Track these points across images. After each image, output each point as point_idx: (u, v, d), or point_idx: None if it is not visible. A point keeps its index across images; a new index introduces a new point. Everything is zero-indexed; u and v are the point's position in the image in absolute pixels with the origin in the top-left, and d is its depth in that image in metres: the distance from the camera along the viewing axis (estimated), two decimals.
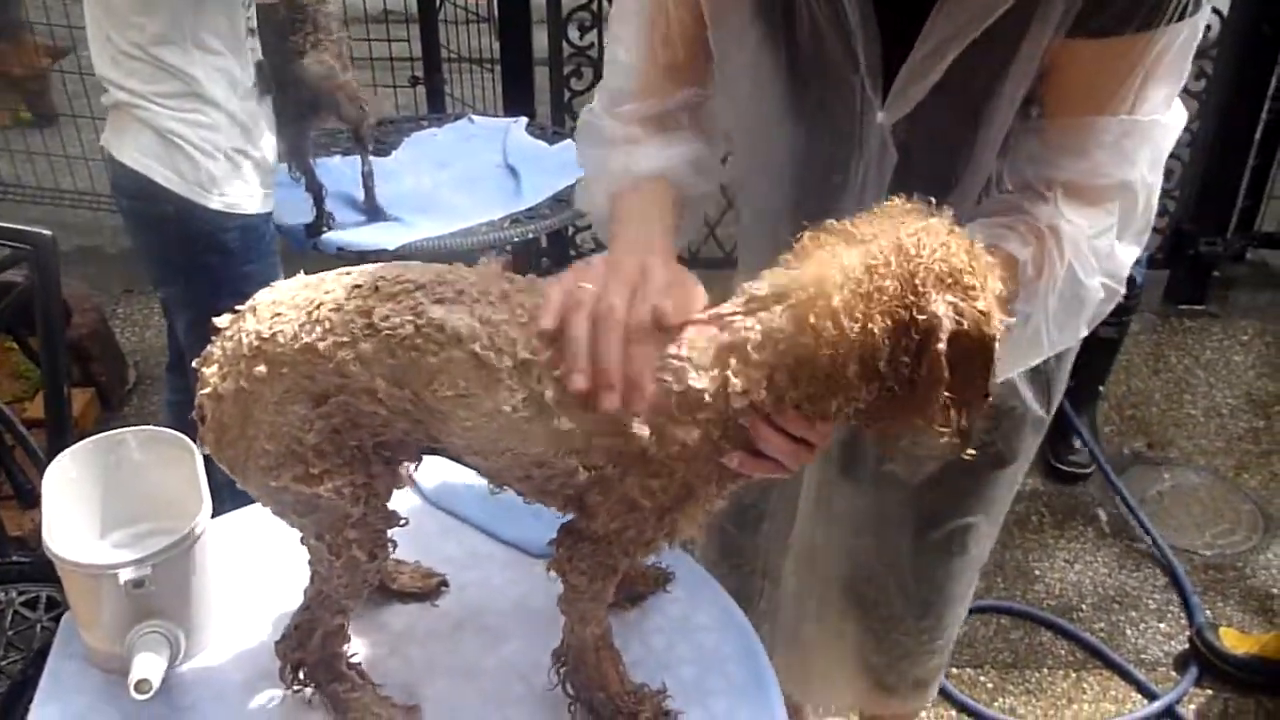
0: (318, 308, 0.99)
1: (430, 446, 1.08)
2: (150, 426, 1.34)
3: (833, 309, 0.89)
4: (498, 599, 1.33)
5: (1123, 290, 1.17)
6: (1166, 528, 2.82)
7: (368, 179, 2.42)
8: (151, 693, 1.11)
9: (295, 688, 1.16)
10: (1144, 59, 1.04)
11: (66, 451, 1.29)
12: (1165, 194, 3.57)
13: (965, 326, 0.88)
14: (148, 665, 1.12)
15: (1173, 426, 3.20)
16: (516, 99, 3.35)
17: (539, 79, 3.43)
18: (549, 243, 3.47)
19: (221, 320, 1.05)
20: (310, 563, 1.12)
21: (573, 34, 3.36)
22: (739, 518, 1.63)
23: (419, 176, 2.62)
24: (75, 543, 1.24)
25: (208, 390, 1.02)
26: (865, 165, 1.19)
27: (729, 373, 0.95)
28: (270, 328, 0.99)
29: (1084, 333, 1.21)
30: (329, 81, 2.23)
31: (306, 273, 1.07)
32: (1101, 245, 1.12)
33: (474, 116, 3.04)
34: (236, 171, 2.00)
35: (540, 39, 3.42)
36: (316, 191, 2.35)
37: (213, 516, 1.24)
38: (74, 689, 1.22)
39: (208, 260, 2.02)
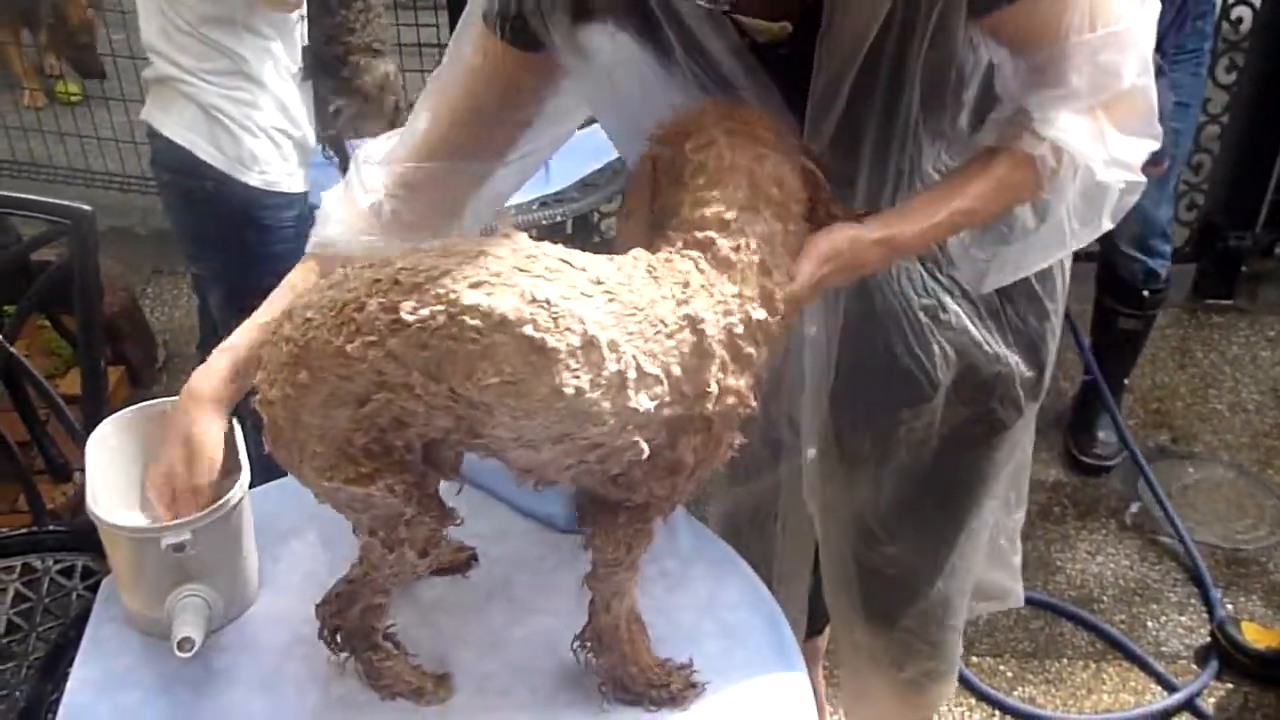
0: (344, 308, 0.96)
1: (472, 446, 1.06)
2: None
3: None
4: (526, 573, 1.35)
5: (1142, 179, 1.19)
6: (1190, 521, 2.82)
7: None
8: (193, 651, 1.13)
9: (331, 650, 1.19)
10: None
11: (108, 420, 1.32)
12: (1194, 187, 3.59)
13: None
14: (190, 625, 1.14)
15: (1198, 421, 3.20)
16: None
17: None
18: (574, 227, 3.49)
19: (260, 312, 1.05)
20: (361, 547, 1.12)
21: None
22: (751, 516, 1.63)
23: None
24: (116, 509, 1.27)
25: (259, 397, 1.03)
26: None
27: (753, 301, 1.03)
28: (304, 334, 0.98)
29: (1107, 226, 1.23)
30: (384, 91, 2.28)
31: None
32: (1104, 146, 1.14)
33: None
34: (277, 150, 2.03)
35: None
36: (345, 171, 2.37)
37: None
38: (114, 651, 1.25)
39: (244, 236, 2.06)
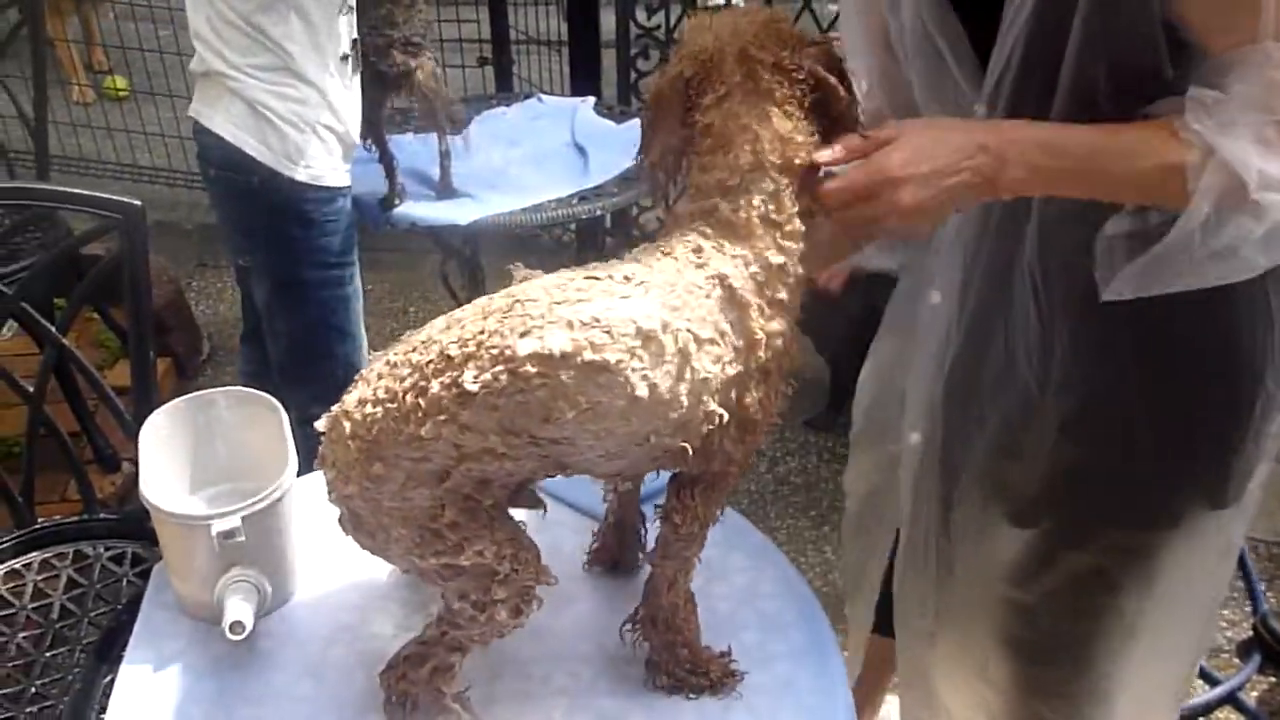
0: (405, 396, 0.98)
1: (557, 474, 1.09)
2: (239, 387, 1.40)
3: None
4: (566, 563, 1.36)
5: None
6: None
7: (444, 159, 2.46)
8: (244, 634, 1.16)
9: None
10: None
11: (161, 410, 1.35)
12: None
13: (823, 63, 1.13)
14: (240, 609, 1.17)
15: None
16: (583, 80, 3.39)
17: (605, 60, 3.46)
18: (613, 222, 3.51)
19: (320, 423, 1.05)
20: (445, 610, 1.10)
21: (640, 16, 3.39)
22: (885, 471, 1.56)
23: (489, 154, 2.67)
24: (168, 496, 1.30)
25: (334, 494, 1.05)
26: None
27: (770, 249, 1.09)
28: (370, 428, 0.99)
29: (1255, 271, 1.09)
30: (425, 86, 2.31)
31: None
32: (1262, 161, 1.01)
33: (542, 96, 3.08)
34: (322, 145, 2.06)
35: (608, 20, 3.45)
36: (389, 165, 2.41)
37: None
38: (166, 635, 1.28)
39: (289, 230, 2.09)
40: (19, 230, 2.58)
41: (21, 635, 1.71)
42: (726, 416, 1.05)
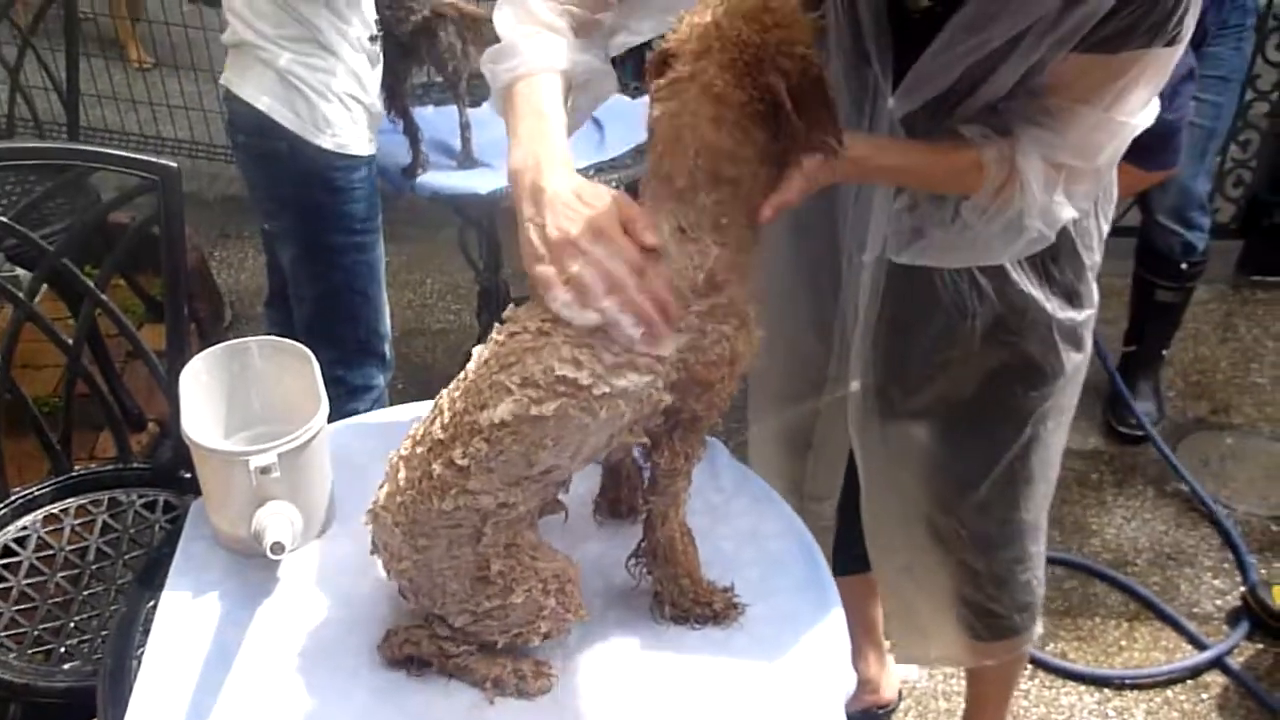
0: (421, 482, 1.13)
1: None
2: (272, 337, 1.47)
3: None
4: (578, 503, 1.43)
5: (1052, 237, 1.37)
6: (1228, 490, 2.87)
7: (465, 130, 2.53)
8: (284, 554, 1.25)
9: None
10: (1130, 71, 1.19)
11: (199, 356, 1.43)
12: (1241, 163, 3.60)
13: (794, 80, 1.07)
14: (280, 532, 1.26)
15: (1237, 394, 3.23)
16: None
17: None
18: (629, 191, 3.57)
19: (364, 520, 1.20)
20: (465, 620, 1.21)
21: None
22: (789, 440, 1.77)
23: None
24: (207, 437, 1.38)
25: (391, 572, 1.20)
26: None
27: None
28: (407, 514, 1.14)
29: (1005, 259, 1.43)
30: (447, 59, 2.38)
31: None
32: (1052, 203, 1.29)
33: None
34: (349, 115, 2.14)
35: None
36: (413, 135, 2.48)
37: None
38: (203, 566, 1.36)
39: (316, 196, 2.17)
40: (50, 196, 2.66)
41: (61, 575, 1.80)
42: (670, 400, 1.14)
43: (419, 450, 1.15)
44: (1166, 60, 1.20)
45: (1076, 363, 1.57)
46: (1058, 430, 1.65)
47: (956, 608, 1.77)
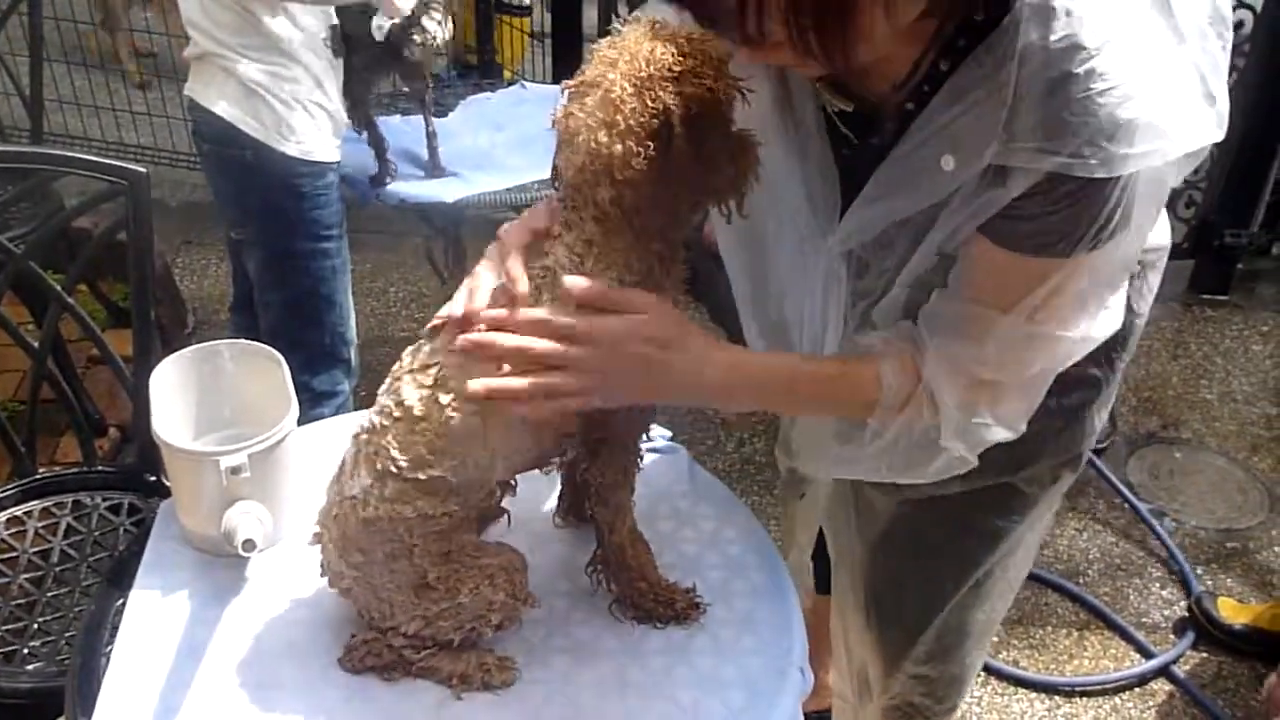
0: (344, 504, 1.19)
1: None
2: (242, 340, 1.49)
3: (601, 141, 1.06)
4: (545, 505, 1.46)
5: (975, 462, 1.19)
6: (1176, 503, 2.94)
7: (432, 139, 2.56)
8: (255, 551, 1.27)
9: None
10: (1051, 278, 1.04)
11: (168, 358, 1.45)
12: (1192, 184, 3.69)
13: (693, 108, 1.05)
14: (251, 530, 1.27)
15: (1187, 409, 3.31)
16: (565, 70, 3.48)
17: (586, 51, 3.56)
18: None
19: (309, 542, 1.26)
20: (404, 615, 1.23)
21: (622, 10, 3.50)
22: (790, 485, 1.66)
23: (476, 136, 2.77)
24: (177, 438, 1.39)
25: (338, 590, 1.25)
26: (823, 275, 1.25)
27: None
28: (338, 529, 1.21)
29: (928, 479, 1.23)
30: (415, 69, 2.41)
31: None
32: (970, 424, 1.14)
33: (525, 83, 3.18)
34: (312, 121, 2.15)
35: (590, 14, 3.55)
36: (379, 145, 2.50)
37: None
38: (173, 565, 1.38)
39: (282, 203, 2.18)
40: (14, 201, 2.65)
41: (24, 577, 1.80)
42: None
43: (338, 484, 1.21)
44: (1105, 263, 1.05)
45: (1064, 483, 1.42)
46: (1032, 539, 1.49)
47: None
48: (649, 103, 1.05)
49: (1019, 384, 1.13)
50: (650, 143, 1.05)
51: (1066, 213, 1.00)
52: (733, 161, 1.11)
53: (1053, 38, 0.94)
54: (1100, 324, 1.11)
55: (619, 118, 1.06)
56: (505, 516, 1.33)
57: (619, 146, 1.05)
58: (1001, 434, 1.16)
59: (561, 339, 1.08)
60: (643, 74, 1.05)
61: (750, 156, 1.13)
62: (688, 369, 1.11)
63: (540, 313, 1.10)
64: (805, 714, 1.30)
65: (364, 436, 1.19)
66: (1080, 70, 0.94)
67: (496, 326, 1.11)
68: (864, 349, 1.19)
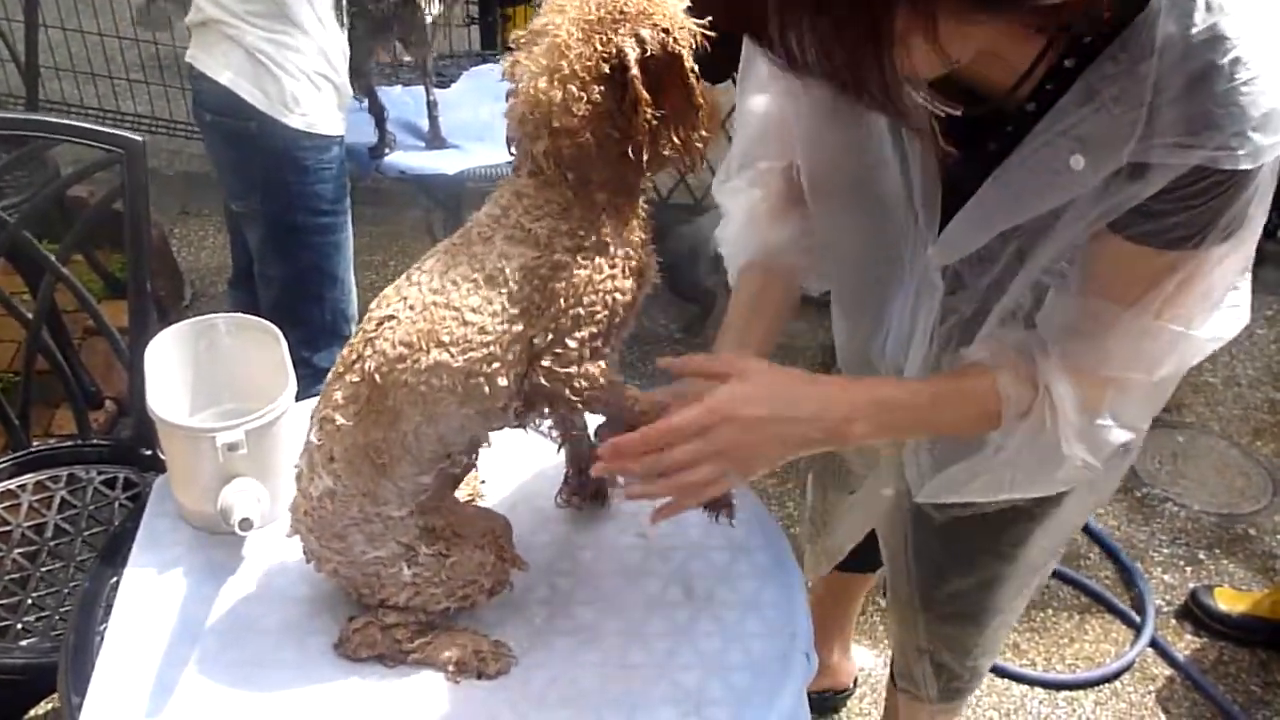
0: (311, 494, 1.17)
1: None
2: (239, 314, 1.47)
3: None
4: (548, 485, 1.44)
5: (1100, 467, 1.18)
6: (1178, 487, 2.93)
7: (433, 109, 2.53)
8: (252, 529, 1.24)
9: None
10: (1179, 271, 1.03)
11: (164, 331, 1.42)
12: None
13: (650, 51, 1.02)
14: (248, 508, 1.25)
15: (1191, 393, 3.29)
16: None
17: None
18: None
19: (286, 531, 1.24)
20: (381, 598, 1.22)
21: None
22: (837, 480, 1.69)
23: (477, 108, 2.74)
24: (173, 413, 1.37)
25: (326, 576, 1.24)
26: (916, 285, 1.23)
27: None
28: (316, 519, 1.18)
29: (1055, 490, 1.26)
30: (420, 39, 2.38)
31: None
32: (1092, 426, 1.13)
33: None
34: (317, 93, 2.11)
35: None
36: (379, 114, 2.47)
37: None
38: (167, 542, 1.36)
39: (284, 176, 2.15)
40: (7, 169, 2.62)
41: (18, 551, 1.78)
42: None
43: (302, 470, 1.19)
44: (1226, 259, 1.03)
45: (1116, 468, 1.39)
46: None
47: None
48: (598, 46, 1.02)
49: (1147, 385, 1.12)
50: (598, 86, 1.02)
51: (1206, 206, 0.98)
52: (690, 100, 1.07)
53: (1193, 30, 0.93)
54: (1227, 322, 1.10)
55: (563, 63, 1.03)
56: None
57: (558, 93, 1.03)
58: (1124, 436, 1.14)
59: (676, 439, 1.09)
60: (591, 17, 1.03)
61: (713, 112, 1.09)
62: (804, 414, 1.11)
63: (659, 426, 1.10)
64: (809, 695, 1.28)
65: (315, 443, 1.17)
66: (1224, 61, 0.92)
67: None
68: (974, 362, 1.16)
